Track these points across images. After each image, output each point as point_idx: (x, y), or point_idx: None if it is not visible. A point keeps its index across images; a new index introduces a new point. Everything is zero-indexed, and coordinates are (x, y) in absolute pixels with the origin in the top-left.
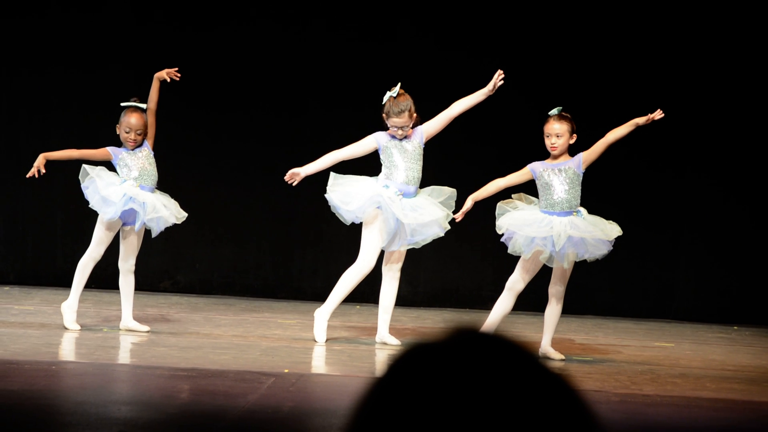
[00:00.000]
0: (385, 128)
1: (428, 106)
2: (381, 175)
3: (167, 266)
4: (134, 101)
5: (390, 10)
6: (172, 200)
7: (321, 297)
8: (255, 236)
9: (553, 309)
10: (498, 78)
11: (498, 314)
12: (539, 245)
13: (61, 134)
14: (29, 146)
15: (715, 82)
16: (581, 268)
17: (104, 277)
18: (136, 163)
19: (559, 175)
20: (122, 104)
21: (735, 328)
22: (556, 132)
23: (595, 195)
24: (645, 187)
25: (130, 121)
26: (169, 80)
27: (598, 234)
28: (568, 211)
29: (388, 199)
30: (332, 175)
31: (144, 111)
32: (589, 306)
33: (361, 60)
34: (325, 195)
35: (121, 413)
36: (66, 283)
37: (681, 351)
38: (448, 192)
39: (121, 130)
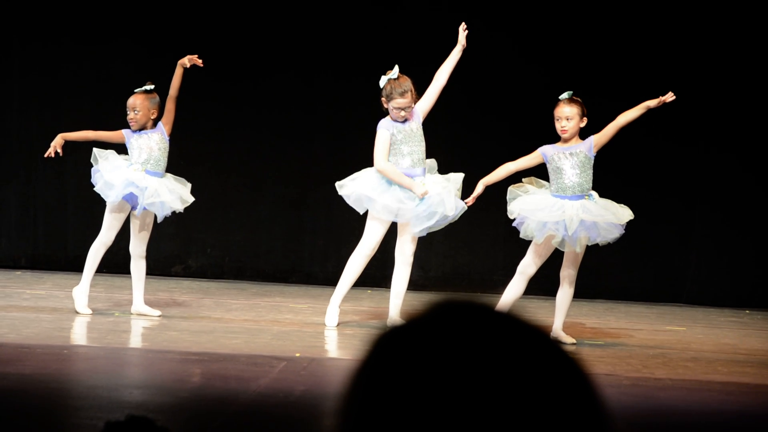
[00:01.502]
0: (383, 114)
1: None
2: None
3: (179, 251)
4: (147, 84)
5: None
6: (184, 185)
7: (332, 281)
8: (266, 221)
9: (565, 293)
10: (463, 31)
11: (509, 298)
12: (551, 230)
13: (72, 121)
14: (40, 132)
15: (728, 58)
16: (593, 252)
17: (116, 262)
18: (146, 147)
19: (571, 158)
20: (135, 90)
21: (747, 312)
22: (566, 115)
23: (609, 177)
24: (657, 171)
25: (128, 102)
26: (189, 66)
27: (610, 218)
28: (580, 194)
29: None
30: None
31: (149, 92)
32: (600, 290)
33: (370, 30)
34: (340, 192)
35: (132, 397)
36: (77, 267)
37: (693, 335)
38: (459, 179)
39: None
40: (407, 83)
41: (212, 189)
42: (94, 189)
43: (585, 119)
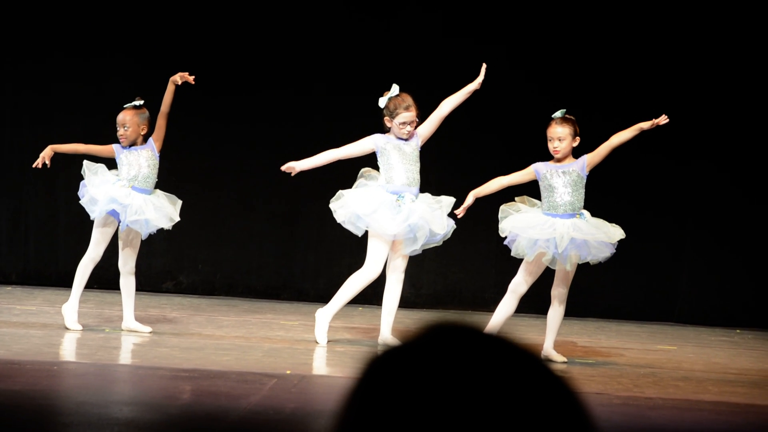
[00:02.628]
0: (378, 130)
1: (436, 94)
2: (381, 179)
3: (170, 267)
4: (136, 100)
5: None
6: (173, 203)
7: (323, 298)
8: (257, 237)
9: (556, 311)
10: (483, 72)
11: (501, 317)
12: (542, 247)
13: (64, 135)
14: (32, 146)
15: (721, 76)
16: (584, 270)
17: (106, 278)
18: (135, 163)
19: (563, 177)
20: (124, 106)
21: (738, 331)
22: (558, 135)
23: (600, 194)
24: (648, 190)
25: (118, 118)
26: (180, 83)
27: (601, 236)
28: (571, 213)
29: (398, 206)
30: (338, 194)
31: (138, 108)
32: (591, 308)
33: (365, 46)
34: (335, 215)
35: (122, 414)
36: (68, 283)
37: (683, 354)
38: (450, 203)
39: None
40: (410, 98)
41: (204, 205)
42: (80, 202)
43: (577, 139)
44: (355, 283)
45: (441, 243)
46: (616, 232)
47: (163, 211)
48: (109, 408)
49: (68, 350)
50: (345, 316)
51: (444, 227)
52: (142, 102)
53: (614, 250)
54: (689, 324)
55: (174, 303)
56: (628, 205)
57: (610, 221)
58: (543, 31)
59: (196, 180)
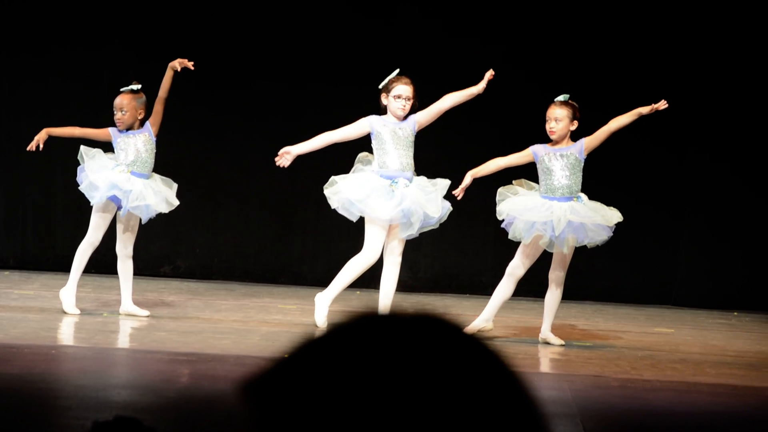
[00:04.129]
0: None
1: (429, 89)
2: (374, 164)
3: (168, 251)
4: (133, 84)
5: None
6: (169, 186)
7: (321, 282)
8: (255, 221)
9: (553, 294)
10: (489, 77)
11: (498, 300)
12: (539, 230)
13: (62, 119)
14: (30, 131)
15: (718, 65)
16: (581, 253)
17: (104, 262)
18: (132, 148)
19: (561, 160)
20: (121, 90)
21: (735, 314)
22: (555, 116)
23: (596, 180)
24: (646, 173)
25: (115, 101)
26: (180, 69)
27: (598, 219)
28: (569, 196)
29: (392, 191)
30: (331, 180)
31: (136, 92)
32: (589, 292)
33: (362, 41)
34: (329, 201)
35: (120, 397)
36: (66, 268)
37: (681, 337)
38: (445, 185)
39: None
40: (408, 80)
41: (201, 189)
42: (79, 188)
43: (575, 122)
44: (354, 267)
45: (437, 225)
46: (613, 215)
47: (161, 196)
48: (107, 391)
49: (66, 334)
50: (343, 299)
51: (438, 210)
52: (139, 86)
53: (611, 233)
54: (687, 307)
55: (172, 287)
56: (626, 189)
57: (608, 204)
58: (543, 14)
59: (194, 164)
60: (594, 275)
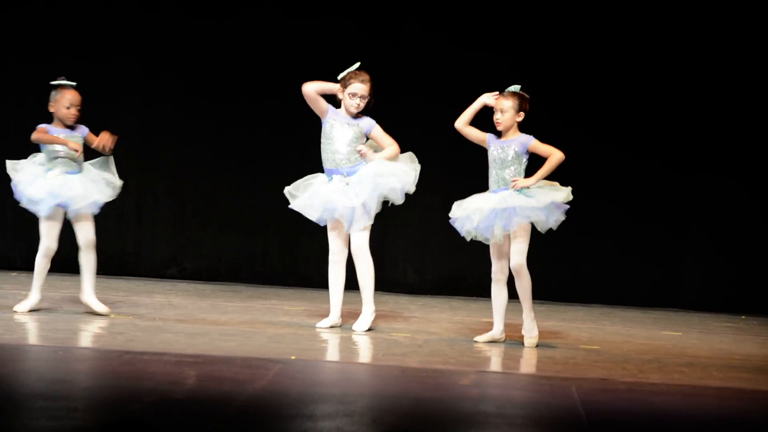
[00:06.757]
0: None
1: (436, 108)
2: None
3: (174, 253)
4: (62, 79)
5: (398, 6)
6: (106, 167)
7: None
8: (262, 223)
9: (520, 283)
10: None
11: (499, 308)
12: (468, 228)
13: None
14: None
15: (721, 80)
16: (588, 256)
17: (104, 262)
18: (71, 144)
19: (499, 152)
20: (53, 83)
21: (743, 317)
22: (501, 107)
23: (605, 187)
24: (654, 177)
25: (73, 98)
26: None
27: (531, 202)
28: (505, 188)
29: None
30: (292, 186)
31: (76, 88)
32: (596, 295)
33: (369, 60)
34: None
35: (127, 399)
36: (72, 269)
37: (688, 340)
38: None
39: (59, 107)
40: (367, 76)
41: (208, 191)
42: (20, 205)
43: (522, 114)
44: (364, 274)
45: (402, 200)
46: (557, 195)
47: (101, 182)
48: (114, 393)
49: (73, 336)
50: (349, 302)
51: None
52: (72, 83)
53: (562, 214)
54: (694, 310)
55: (179, 289)
56: (635, 192)
57: (618, 209)
58: (543, 28)
59: (200, 166)
60: (601, 279)
